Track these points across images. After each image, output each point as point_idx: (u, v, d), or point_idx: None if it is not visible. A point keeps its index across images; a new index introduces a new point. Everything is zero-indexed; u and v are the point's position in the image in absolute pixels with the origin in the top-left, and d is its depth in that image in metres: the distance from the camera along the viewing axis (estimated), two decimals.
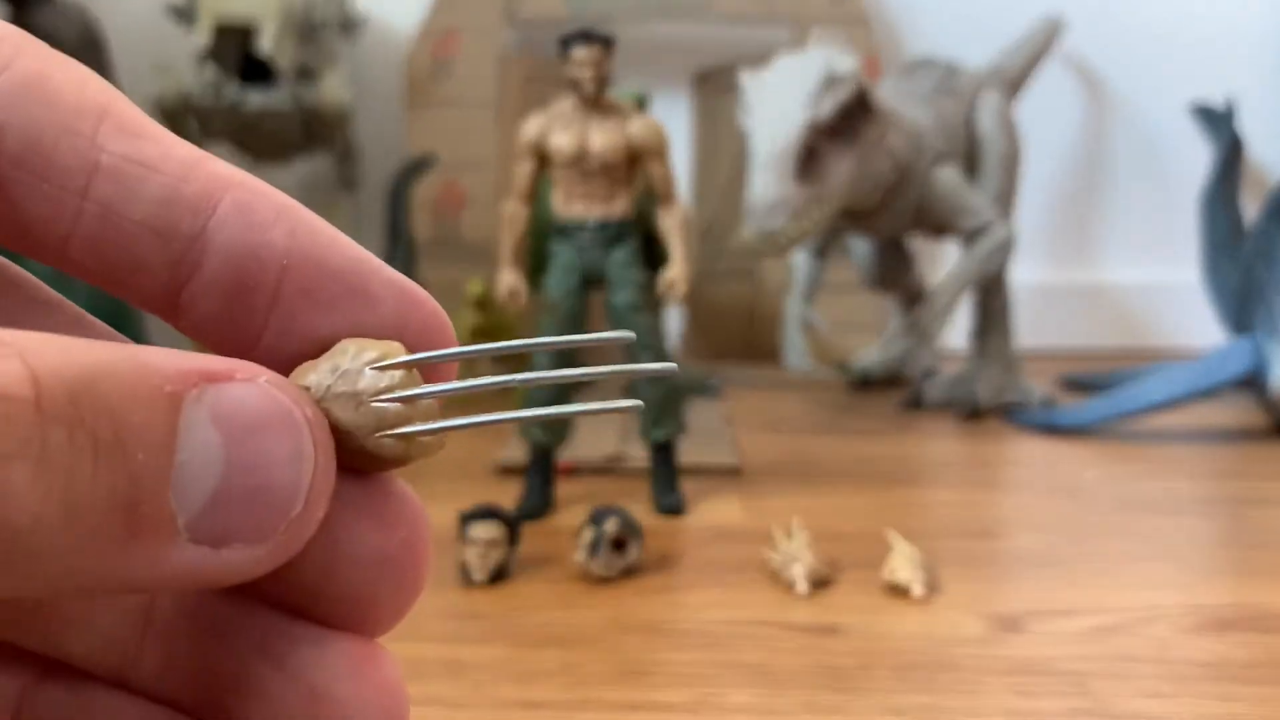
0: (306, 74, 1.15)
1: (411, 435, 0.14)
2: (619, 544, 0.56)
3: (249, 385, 0.13)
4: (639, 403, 0.16)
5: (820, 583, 0.54)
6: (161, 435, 0.12)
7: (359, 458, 0.14)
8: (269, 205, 0.14)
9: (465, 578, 0.55)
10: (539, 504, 0.67)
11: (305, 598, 0.14)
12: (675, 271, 0.66)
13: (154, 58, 1.13)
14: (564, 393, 0.67)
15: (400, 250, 1.05)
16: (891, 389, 1.11)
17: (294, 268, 0.14)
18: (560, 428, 0.68)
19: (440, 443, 0.15)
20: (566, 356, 0.67)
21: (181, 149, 0.14)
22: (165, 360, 0.12)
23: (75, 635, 0.15)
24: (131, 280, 0.14)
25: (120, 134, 0.14)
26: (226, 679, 0.14)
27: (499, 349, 0.16)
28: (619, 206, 0.66)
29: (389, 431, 0.14)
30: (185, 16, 1.10)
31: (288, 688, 0.14)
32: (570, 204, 0.66)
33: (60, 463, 0.11)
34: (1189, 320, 1.29)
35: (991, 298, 0.99)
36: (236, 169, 0.14)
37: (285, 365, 0.14)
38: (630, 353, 0.67)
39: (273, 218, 0.14)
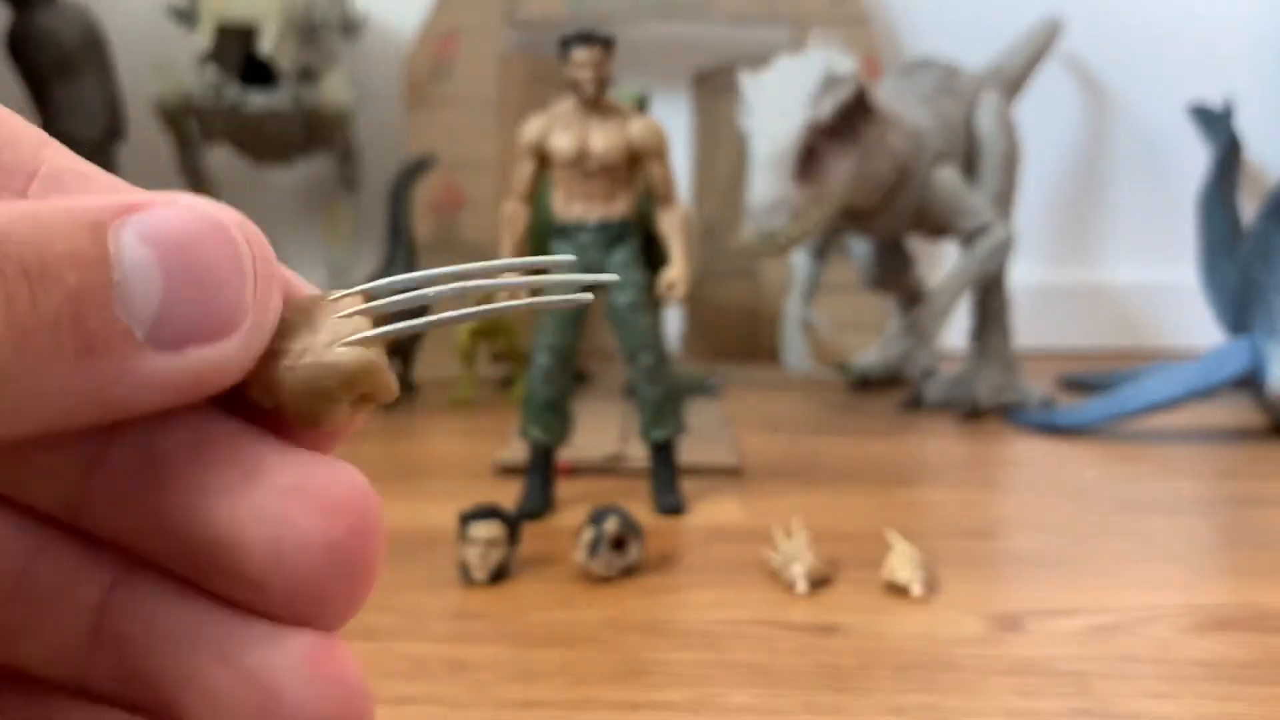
0: (307, 75, 1.15)
1: (369, 342, 0.15)
2: (619, 543, 0.56)
3: (169, 207, 0.13)
4: (587, 297, 0.17)
5: (819, 582, 0.55)
6: (92, 257, 0.12)
7: (312, 394, 0.15)
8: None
9: (466, 577, 0.55)
10: (539, 504, 0.67)
11: (254, 591, 0.14)
12: (675, 272, 0.67)
13: (155, 58, 1.13)
14: (566, 392, 0.67)
15: (401, 250, 1.05)
16: (891, 389, 1.12)
17: None
18: (560, 428, 0.68)
19: (394, 387, 0.15)
20: (566, 364, 0.67)
21: (111, 178, 0.15)
22: (84, 200, 0.13)
23: (25, 645, 0.15)
24: None
25: (60, 154, 0.15)
26: (180, 682, 0.15)
27: (450, 273, 0.16)
28: (619, 207, 0.66)
29: (347, 339, 0.15)
30: (187, 18, 1.10)
31: (240, 688, 0.14)
32: (570, 205, 0.66)
33: None
34: (1188, 320, 1.30)
35: (990, 298, 0.99)
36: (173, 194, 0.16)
37: None
38: (626, 339, 0.67)
39: None
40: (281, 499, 0.14)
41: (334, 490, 0.14)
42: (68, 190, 0.15)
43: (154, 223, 0.13)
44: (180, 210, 0.13)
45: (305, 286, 0.16)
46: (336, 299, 0.15)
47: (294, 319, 0.15)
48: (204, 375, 0.13)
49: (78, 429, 0.13)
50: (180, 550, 0.14)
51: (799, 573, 0.54)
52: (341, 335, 0.15)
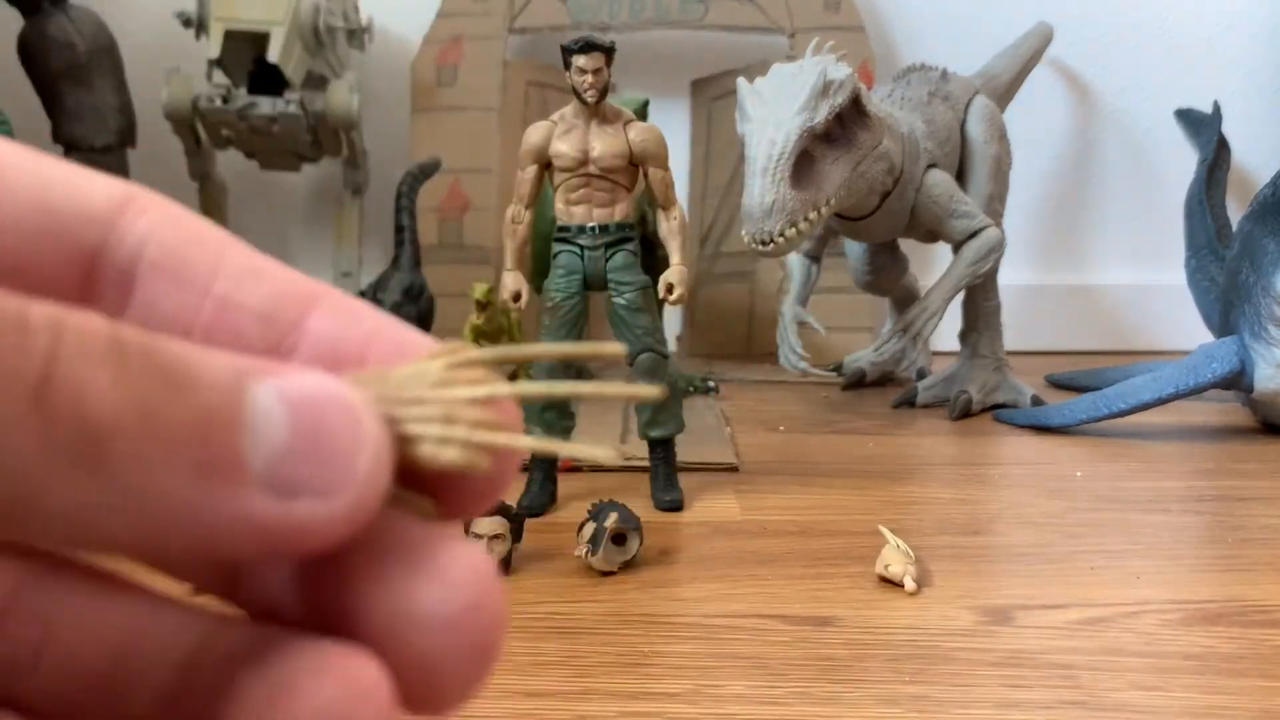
0: (315, 81, 1.16)
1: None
2: (619, 538, 0.57)
3: (304, 374, 0.14)
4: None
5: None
6: (229, 389, 0.13)
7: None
8: (357, 303, 0.16)
9: None
10: (541, 500, 0.68)
11: None
12: (674, 275, 0.68)
13: (165, 64, 1.14)
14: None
15: (406, 253, 1.06)
16: (885, 388, 1.13)
17: (377, 344, 0.16)
18: (562, 426, 0.69)
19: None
20: (568, 364, 0.68)
21: (289, 269, 0.16)
22: (238, 356, 0.14)
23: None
24: None
25: (239, 251, 0.16)
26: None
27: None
28: (619, 211, 0.67)
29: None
30: (195, 25, 1.10)
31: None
32: (572, 208, 0.67)
33: (138, 379, 0.13)
34: (1174, 321, 1.31)
35: (982, 298, 1.00)
36: (332, 288, 0.17)
37: None
38: (626, 339, 0.68)
39: (362, 311, 0.16)
40: (395, 570, 0.14)
41: (451, 564, 0.15)
42: (248, 285, 0.16)
43: (290, 383, 0.14)
44: (313, 378, 0.14)
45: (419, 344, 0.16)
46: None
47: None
48: (306, 528, 0.13)
49: (175, 551, 0.13)
50: (312, 620, 0.15)
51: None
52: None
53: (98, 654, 0.15)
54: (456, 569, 0.14)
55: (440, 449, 0.15)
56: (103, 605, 0.16)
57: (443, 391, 0.15)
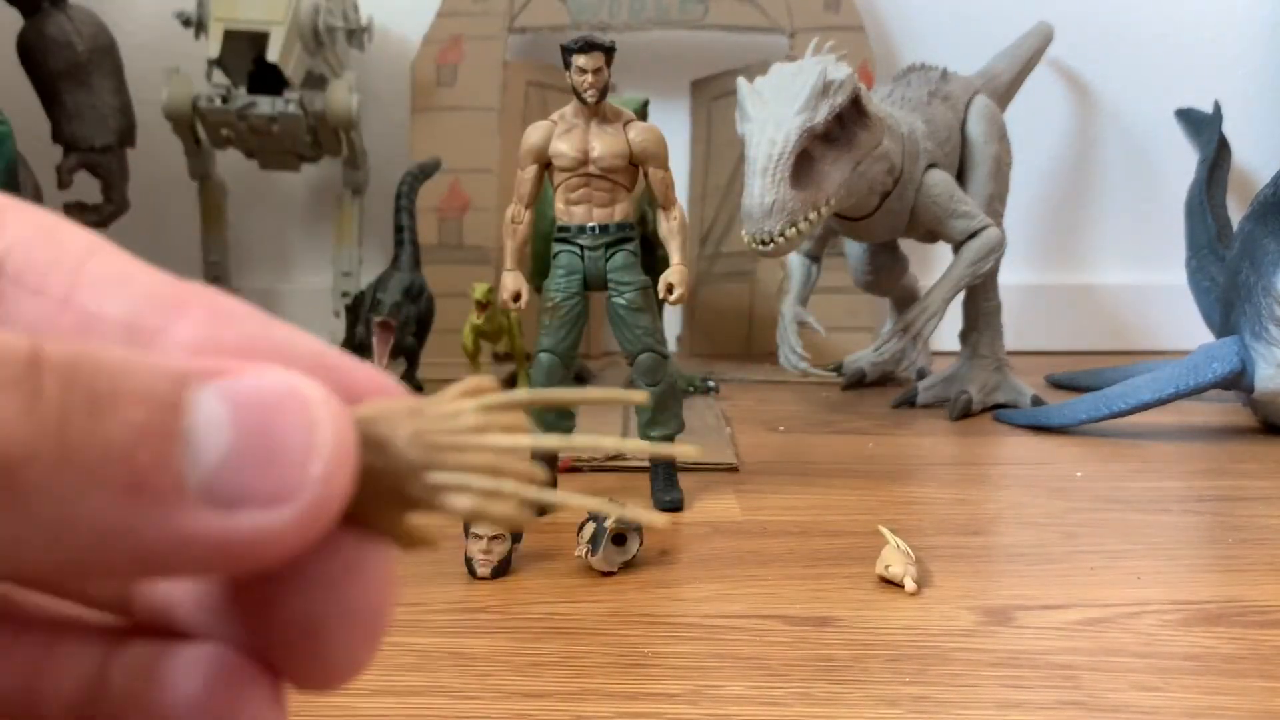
0: (314, 81, 1.16)
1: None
2: (619, 539, 0.57)
3: (262, 371, 0.13)
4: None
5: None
6: (165, 402, 0.12)
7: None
8: (235, 304, 0.15)
9: (470, 572, 0.56)
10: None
11: (257, 626, 0.14)
12: (674, 275, 0.68)
13: (165, 64, 1.14)
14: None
15: (406, 253, 1.06)
16: (885, 388, 1.13)
17: (256, 349, 0.14)
18: (562, 426, 0.69)
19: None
20: (567, 364, 0.68)
21: (161, 274, 0.15)
22: (182, 359, 0.13)
23: None
24: None
25: (106, 257, 0.15)
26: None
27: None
28: (619, 211, 0.67)
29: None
30: (194, 24, 1.10)
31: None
32: (572, 208, 0.67)
33: (54, 406, 0.11)
34: (1175, 321, 1.31)
35: (982, 298, 1.00)
36: (212, 288, 0.15)
37: None
38: (626, 339, 0.68)
39: (239, 312, 0.15)
40: None
41: (337, 534, 0.14)
42: (109, 294, 0.14)
43: (240, 382, 0.13)
44: (267, 377, 0.13)
45: (335, 356, 0.15)
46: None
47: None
48: (252, 542, 0.12)
49: (109, 575, 0.12)
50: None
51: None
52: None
53: (10, 678, 0.15)
54: (340, 535, 0.14)
55: (489, 503, 0.14)
56: (13, 632, 0.15)
57: (482, 438, 0.14)
